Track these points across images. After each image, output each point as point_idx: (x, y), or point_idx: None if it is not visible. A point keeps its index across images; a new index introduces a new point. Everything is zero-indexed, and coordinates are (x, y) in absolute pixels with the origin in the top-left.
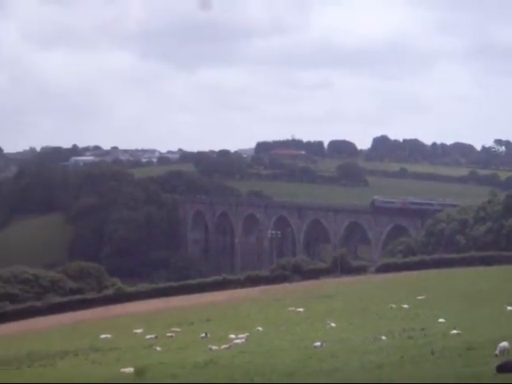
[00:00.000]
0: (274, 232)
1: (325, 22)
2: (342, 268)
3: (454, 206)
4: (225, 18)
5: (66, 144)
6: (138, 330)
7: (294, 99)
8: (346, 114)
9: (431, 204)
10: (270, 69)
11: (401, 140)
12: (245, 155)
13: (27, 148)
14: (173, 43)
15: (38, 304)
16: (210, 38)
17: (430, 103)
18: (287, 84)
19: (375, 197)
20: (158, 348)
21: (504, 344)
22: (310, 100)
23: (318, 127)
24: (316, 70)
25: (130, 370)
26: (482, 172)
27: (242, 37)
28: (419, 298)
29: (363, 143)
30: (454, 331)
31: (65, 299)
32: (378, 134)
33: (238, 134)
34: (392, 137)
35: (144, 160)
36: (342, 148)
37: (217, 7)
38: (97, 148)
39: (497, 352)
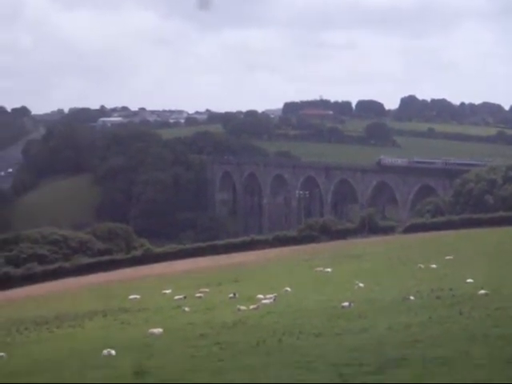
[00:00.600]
0: (301, 192)
1: None
2: (369, 228)
3: (459, 164)
4: None
5: (94, 105)
6: (167, 291)
7: (321, 59)
8: (373, 74)
9: (434, 163)
10: (295, 30)
11: (429, 100)
12: (272, 115)
13: (55, 109)
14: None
15: (67, 265)
16: None
17: (458, 62)
18: (313, 45)
19: (381, 156)
20: (187, 308)
21: None
22: (337, 60)
23: (345, 87)
24: (342, 31)
25: (159, 330)
26: (511, 132)
27: None
28: (447, 258)
29: (391, 103)
30: (482, 291)
31: (93, 260)
32: (406, 94)
33: (265, 95)
34: (420, 97)
35: (171, 121)
36: (369, 108)
37: None
38: (124, 109)
39: None
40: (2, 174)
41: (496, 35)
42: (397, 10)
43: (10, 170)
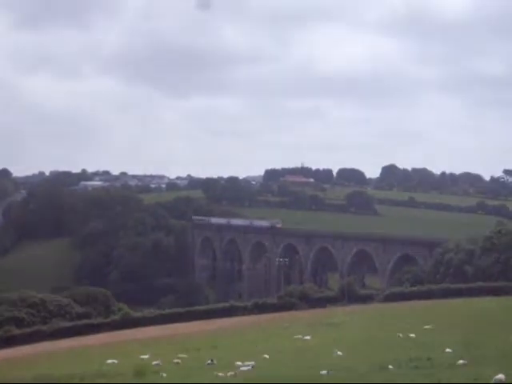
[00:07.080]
0: (281, 259)
1: (304, 51)
2: (349, 296)
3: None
4: (202, 45)
5: (75, 169)
6: (145, 356)
7: (289, 128)
8: (347, 142)
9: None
10: (261, 98)
11: (409, 169)
12: (253, 182)
13: (36, 172)
14: (157, 69)
15: (45, 328)
16: (193, 65)
17: (428, 133)
18: (282, 113)
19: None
20: (164, 374)
21: (500, 376)
22: (307, 128)
23: (324, 155)
24: (306, 100)
25: None
26: (491, 202)
27: (224, 65)
28: (426, 327)
29: (372, 172)
30: (461, 361)
31: (71, 324)
32: (386, 163)
33: (246, 162)
34: (400, 166)
35: (153, 186)
36: (351, 176)
37: (193, 33)
38: (106, 173)
39: None
40: None
41: (460, 106)
42: (355, 81)
43: None
